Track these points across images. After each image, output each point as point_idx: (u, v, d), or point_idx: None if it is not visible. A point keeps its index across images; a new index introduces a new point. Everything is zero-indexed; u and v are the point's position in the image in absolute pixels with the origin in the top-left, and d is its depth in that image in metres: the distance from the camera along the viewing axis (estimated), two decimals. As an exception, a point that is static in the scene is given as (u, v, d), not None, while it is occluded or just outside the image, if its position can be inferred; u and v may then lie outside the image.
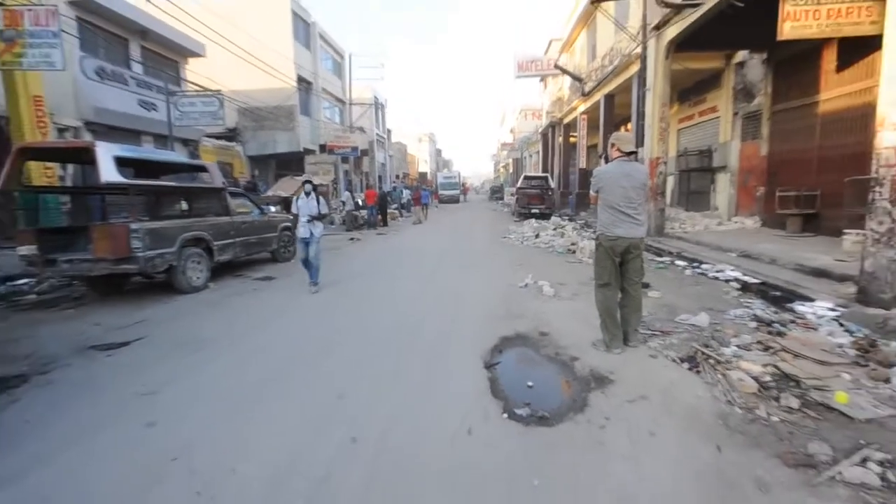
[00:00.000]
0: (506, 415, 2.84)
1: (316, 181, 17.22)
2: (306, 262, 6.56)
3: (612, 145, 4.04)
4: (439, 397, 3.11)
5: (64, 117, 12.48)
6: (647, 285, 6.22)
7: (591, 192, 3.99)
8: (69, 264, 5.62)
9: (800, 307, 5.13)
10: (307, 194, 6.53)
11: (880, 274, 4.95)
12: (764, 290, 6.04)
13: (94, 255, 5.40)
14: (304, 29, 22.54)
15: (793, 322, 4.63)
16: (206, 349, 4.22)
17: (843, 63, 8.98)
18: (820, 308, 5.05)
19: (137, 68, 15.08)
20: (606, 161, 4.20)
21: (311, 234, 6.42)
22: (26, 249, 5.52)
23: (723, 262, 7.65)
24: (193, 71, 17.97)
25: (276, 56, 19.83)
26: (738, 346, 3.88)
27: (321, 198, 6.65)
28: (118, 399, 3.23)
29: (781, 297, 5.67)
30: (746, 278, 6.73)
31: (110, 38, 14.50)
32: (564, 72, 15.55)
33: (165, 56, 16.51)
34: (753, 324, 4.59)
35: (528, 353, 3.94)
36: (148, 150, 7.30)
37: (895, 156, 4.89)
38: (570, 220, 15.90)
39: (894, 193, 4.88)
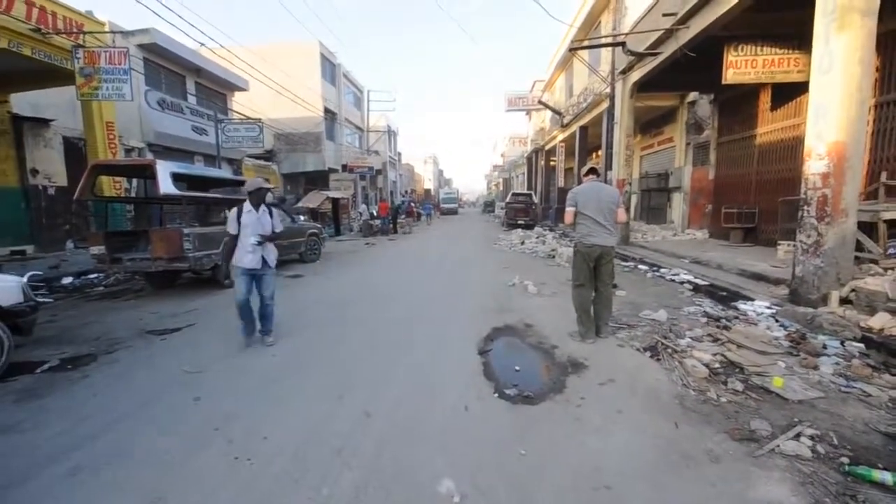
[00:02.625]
0: (497, 394, 2.80)
1: (336, 195, 17.28)
2: (246, 309, 3.78)
3: (581, 175, 4.22)
4: (440, 379, 3.07)
5: (131, 139, 12.48)
6: (615, 286, 6.18)
7: (568, 208, 3.89)
8: (132, 262, 5.58)
9: (742, 305, 5.09)
10: (256, 206, 3.79)
11: (808, 278, 4.92)
12: (712, 291, 6.00)
13: (153, 255, 5.36)
14: (330, 69, 22.56)
15: (737, 318, 4.60)
16: (237, 336, 4.17)
17: (776, 104, 8.99)
18: (759, 306, 5.01)
19: (192, 100, 15.07)
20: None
21: (264, 262, 3.76)
22: (96, 249, 5.48)
23: (678, 267, 7.62)
24: (238, 102, 17.98)
25: (306, 91, 19.84)
26: (691, 338, 3.85)
27: (278, 211, 4.21)
28: (170, 376, 3.19)
29: (727, 297, 5.63)
30: (697, 280, 6.70)
31: (171, 75, 14.51)
32: (547, 107, 15.60)
33: (215, 90, 16.50)
34: (704, 319, 4.56)
35: (516, 341, 3.90)
36: (198, 167, 7.27)
37: (820, 180, 4.86)
38: (551, 230, 15.86)
39: (820, 212, 4.85)
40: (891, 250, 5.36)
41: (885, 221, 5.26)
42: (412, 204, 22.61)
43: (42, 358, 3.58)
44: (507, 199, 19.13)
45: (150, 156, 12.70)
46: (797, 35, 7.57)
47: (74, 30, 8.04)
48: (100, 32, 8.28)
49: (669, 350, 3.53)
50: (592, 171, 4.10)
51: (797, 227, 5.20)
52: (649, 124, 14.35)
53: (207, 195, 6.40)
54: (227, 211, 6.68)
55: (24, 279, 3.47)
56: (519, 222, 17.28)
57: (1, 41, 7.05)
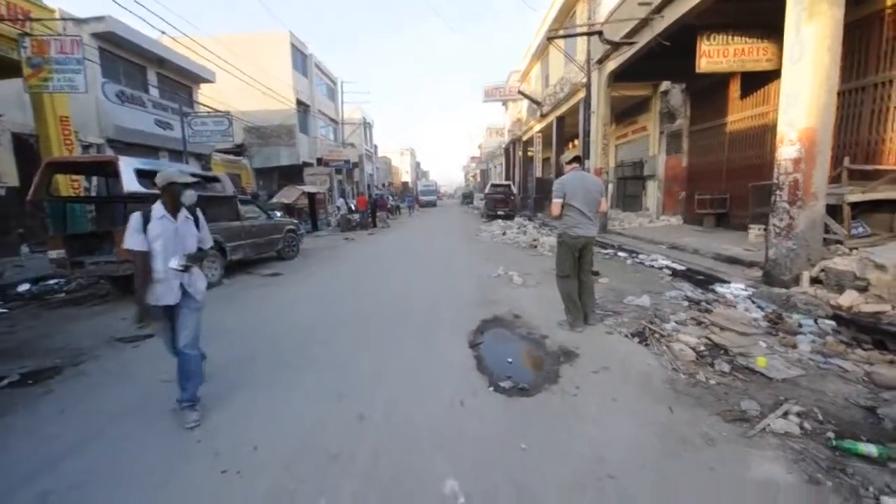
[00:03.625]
0: (492, 388, 2.76)
1: (312, 189, 16.83)
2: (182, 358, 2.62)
3: (563, 164, 4.09)
4: (433, 375, 3.00)
5: (88, 135, 11.71)
6: (597, 273, 6.24)
7: (556, 199, 3.80)
8: (95, 266, 5.21)
9: (720, 288, 5.23)
10: (172, 209, 2.52)
11: (781, 260, 5.10)
12: (690, 275, 6.16)
13: (119, 258, 5.03)
14: (301, 59, 21.83)
15: (716, 301, 4.71)
16: (222, 339, 3.96)
17: (745, 92, 9.26)
18: (735, 289, 5.16)
19: (154, 92, 14.28)
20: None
21: (185, 293, 2.56)
22: (55, 253, 5.10)
23: (655, 253, 7.79)
24: (205, 94, 17.18)
25: (277, 82, 19.14)
26: (676, 322, 3.92)
27: (200, 219, 2.72)
28: (143, 387, 2.99)
29: (705, 281, 5.78)
30: (675, 265, 6.86)
31: (130, 66, 13.68)
32: (526, 97, 15.59)
33: (180, 82, 15.68)
34: (686, 303, 4.66)
35: (506, 332, 3.87)
36: (165, 164, 6.86)
37: (792, 166, 5.01)
38: (530, 220, 15.98)
39: (792, 196, 5.02)
40: (853, 231, 5.61)
41: (848, 204, 5.49)
42: (387, 197, 22.31)
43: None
44: (487, 191, 19.13)
45: (109, 152, 11.96)
46: (766, 24, 7.78)
47: (20, 16, 7.42)
48: (49, 20, 7.67)
49: (657, 335, 3.58)
50: (576, 159, 4.03)
51: (770, 211, 5.36)
52: (624, 114, 14.57)
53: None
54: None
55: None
56: (499, 213, 17.31)
57: (-66, 28, 6.44)
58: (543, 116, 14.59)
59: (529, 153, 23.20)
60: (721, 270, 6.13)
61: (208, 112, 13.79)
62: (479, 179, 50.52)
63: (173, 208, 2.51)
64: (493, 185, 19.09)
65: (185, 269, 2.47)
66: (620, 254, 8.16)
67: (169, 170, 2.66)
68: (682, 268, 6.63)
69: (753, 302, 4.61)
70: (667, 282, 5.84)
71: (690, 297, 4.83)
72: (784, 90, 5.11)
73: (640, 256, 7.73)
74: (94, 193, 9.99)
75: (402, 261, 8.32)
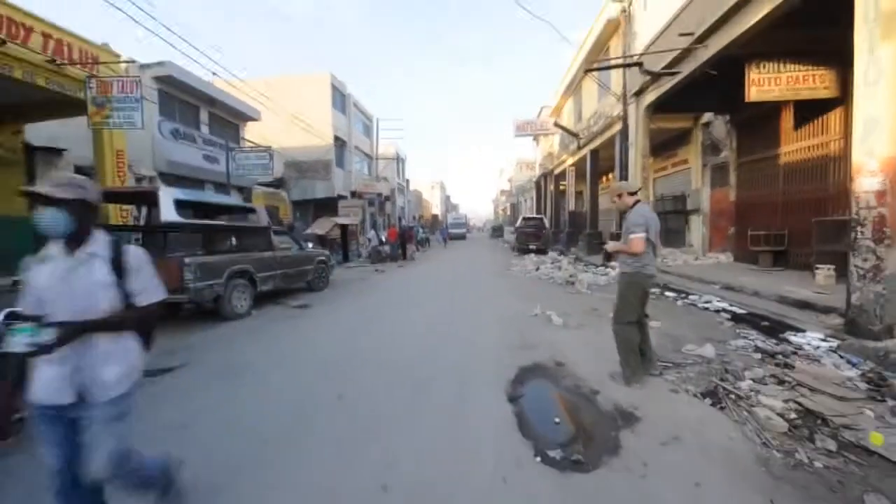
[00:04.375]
0: (539, 458, 2.30)
1: (345, 221, 17.09)
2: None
3: (622, 193, 3.54)
4: (467, 436, 2.58)
5: (142, 168, 12.47)
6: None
7: (640, 234, 3.24)
8: (129, 294, 5.22)
9: (794, 338, 4.55)
10: (71, 241, 1.48)
11: (868, 307, 4.39)
12: (754, 321, 5.45)
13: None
14: (340, 98, 22.94)
15: (794, 353, 4.05)
16: (241, 377, 3.72)
17: (800, 122, 8.64)
18: (813, 339, 4.47)
19: (205, 129, 15.23)
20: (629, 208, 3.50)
21: (84, 390, 1.46)
22: (92, 281, 5.16)
23: (708, 294, 7.09)
24: (250, 131, 18.20)
25: (317, 120, 20.10)
26: (752, 379, 3.32)
27: (130, 257, 1.59)
28: (149, 432, 2.73)
29: (772, 328, 5.08)
30: (734, 308, 6.16)
31: (185, 105, 14.71)
32: (562, 128, 15.42)
33: (228, 120, 16.70)
34: (758, 355, 4.02)
35: (549, 385, 3.39)
36: (204, 194, 7.02)
37: (875, 199, 4.40)
38: (562, 254, 15.39)
39: (877, 233, 4.37)
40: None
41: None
42: (416, 229, 22.33)
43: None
44: (518, 224, 18.77)
45: (160, 184, 12.66)
46: (822, 52, 7.31)
47: (89, 61, 8.08)
48: (114, 62, 8.31)
49: (733, 396, 3.01)
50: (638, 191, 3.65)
51: (850, 250, 4.69)
52: (662, 146, 14.06)
53: (210, 222, 6.07)
54: (232, 239, 6.37)
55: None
56: (530, 247, 16.84)
57: (15, 71, 7.04)
58: (580, 148, 14.32)
59: (562, 187, 22.86)
60: (791, 316, 5.41)
61: (252, 147, 14.46)
62: (508, 213, 50.36)
63: (70, 238, 1.48)
64: (525, 219, 18.75)
65: (59, 342, 1.36)
66: (668, 293, 7.49)
67: (64, 175, 1.52)
68: (743, 311, 5.93)
69: (841, 356, 3.91)
70: (728, 328, 5.17)
71: (762, 348, 4.18)
72: (858, 117, 4.58)
73: (691, 297, 7.04)
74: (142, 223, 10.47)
75: (432, 295, 7.99)
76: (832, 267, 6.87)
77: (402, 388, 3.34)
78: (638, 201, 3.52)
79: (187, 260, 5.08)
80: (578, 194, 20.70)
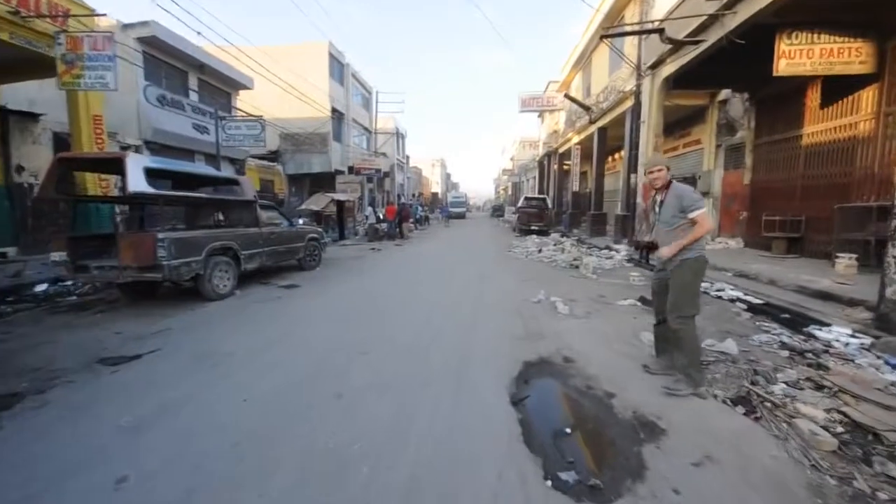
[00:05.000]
0: (549, 481, 1.92)
1: (342, 197, 16.53)
2: None
3: (663, 168, 2.96)
4: (465, 447, 2.21)
5: (127, 137, 11.84)
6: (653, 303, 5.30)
7: (705, 209, 2.82)
8: (99, 271, 4.80)
9: (820, 333, 4.17)
10: None
11: (907, 303, 4.01)
12: (773, 313, 5.08)
13: (121, 263, 4.58)
14: (339, 69, 21.92)
15: (826, 352, 3.69)
16: (220, 366, 3.34)
17: (827, 100, 8.04)
18: (840, 334, 4.10)
19: (194, 97, 14.46)
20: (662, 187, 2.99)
21: None
22: (57, 255, 4.73)
23: (721, 282, 6.70)
24: (243, 101, 17.36)
25: (314, 90, 19.20)
26: (786, 383, 2.95)
27: None
28: (100, 434, 2.36)
29: (794, 321, 4.71)
30: (749, 298, 5.78)
31: (172, 70, 13.91)
32: (573, 100, 14.56)
33: (219, 87, 15.89)
34: (785, 353, 3.65)
35: (557, 385, 3.01)
36: (181, 163, 6.48)
37: (922, 183, 3.94)
38: (565, 236, 14.95)
39: (922, 221, 3.94)
40: None
41: None
42: (413, 207, 21.79)
43: (-43, 396, 2.79)
44: (520, 204, 18.23)
45: (146, 153, 12.05)
46: (861, 22, 6.67)
47: (59, 14, 7.37)
48: (87, 16, 7.60)
49: (768, 405, 2.64)
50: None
51: (889, 239, 4.27)
52: (674, 125, 13.39)
53: (186, 194, 5.54)
54: (215, 213, 5.89)
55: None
56: (532, 228, 16.38)
57: (-26, 24, 6.39)
58: (591, 123, 13.58)
59: (565, 166, 22.18)
60: (813, 308, 5.03)
61: (243, 116, 13.76)
62: (510, 192, 49.59)
63: None
64: (527, 199, 18.22)
65: None
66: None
67: None
68: (759, 301, 5.56)
69: (878, 357, 3.55)
70: (746, 320, 4.81)
71: (789, 345, 3.81)
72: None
73: (702, 285, 6.65)
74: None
75: (429, 277, 7.58)
76: (854, 256, 6.46)
77: (393, 385, 2.97)
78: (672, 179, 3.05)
79: (161, 235, 4.63)
80: (583, 175, 20.09)
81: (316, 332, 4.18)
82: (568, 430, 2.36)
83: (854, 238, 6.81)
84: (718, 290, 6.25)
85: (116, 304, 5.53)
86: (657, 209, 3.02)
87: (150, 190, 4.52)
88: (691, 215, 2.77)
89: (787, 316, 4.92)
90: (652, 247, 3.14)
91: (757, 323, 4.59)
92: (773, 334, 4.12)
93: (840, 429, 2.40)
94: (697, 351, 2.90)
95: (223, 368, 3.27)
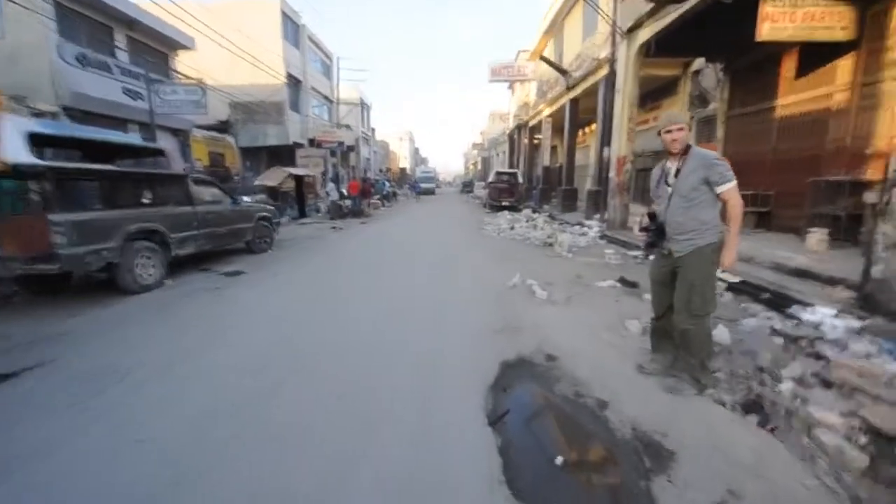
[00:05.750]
0: (542, 547, 1.45)
1: (300, 172, 15.33)
2: None
3: (683, 127, 2.50)
4: (434, 490, 1.70)
5: (39, 102, 10.16)
6: (634, 284, 4.98)
7: (735, 182, 2.32)
8: (-20, 263, 3.86)
9: (804, 315, 3.93)
10: None
11: (895, 282, 3.82)
12: (752, 292, 4.86)
13: (4, 253, 3.67)
14: (293, 29, 20.03)
15: (819, 338, 3.43)
16: (113, 388, 2.61)
17: (803, 70, 7.83)
18: (826, 317, 3.88)
19: (123, 57, 12.63)
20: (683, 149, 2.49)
21: None
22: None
23: (696, 259, 6.50)
24: (185, 64, 15.47)
25: (266, 54, 17.45)
26: (792, 379, 2.63)
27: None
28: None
29: (775, 301, 4.49)
30: (726, 276, 5.58)
31: (94, 25, 12.02)
32: (550, 64, 13.78)
33: (154, 47, 14.00)
34: (779, 340, 3.38)
35: (541, 393, 2.55)
36: (83, 129, 5.42)
37: (917, 155, 3.68)
38: (536, 212, 14.62)
39: (915, 195, 3.70)
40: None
41: None
42: (368, 182, 20.85)
43: None
44: (490, 179, 17.66)
45: (66, 121, 10.44)
46: (845, -17, 6.37)
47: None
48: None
49: (782, 412, 2.28)
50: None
51: (877, 214, 4.04)
52: (645, 97, 13.02)
53: (91, 167, 4.45)
54: (135, 190, 4.92)
55: None
56: (503, 204, 15.93)
57: None
58: (569, 89, 12.94)
59: (536, 140, 21.71)
60: (791, 287, 4.83)
61: (181, 80, 12.21)
62: (479, 167, 48.88)
63: None
64: (498, 173, 17.65)
65: None
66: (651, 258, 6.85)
67: None
68: (735, 280, 5.35)
69: (872, 342, 3.32)
70: (729, 302, 4.55)
71: (781, 331, 3.54)
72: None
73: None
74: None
75: (394, 259, 6.95)
76: (826, 231, 6.39)
77: (349, 400, 2.40)
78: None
79: (55, 217, 3.72)
80: (553, 149, 19.71)
81: (249, 334, 3.49)
82: (558, 461, 1.89)
83: (825, 213, 6.75)
84: (696, 268, 6.03)
85: (14, 299, 4.58)
86: (668, 180, 2.52)
87: (32, 160, 3.58)
88: (721, 189, 2.25)
89: (767, 296, 4.70)
90: (659, 230, 2.58)
91: (742, 305, 4.33)
92: (762, 318, 3.85)
93: (863, 439, 2.07)
94: (709, 351, 2.49)
95: (116, 393, 2.55)
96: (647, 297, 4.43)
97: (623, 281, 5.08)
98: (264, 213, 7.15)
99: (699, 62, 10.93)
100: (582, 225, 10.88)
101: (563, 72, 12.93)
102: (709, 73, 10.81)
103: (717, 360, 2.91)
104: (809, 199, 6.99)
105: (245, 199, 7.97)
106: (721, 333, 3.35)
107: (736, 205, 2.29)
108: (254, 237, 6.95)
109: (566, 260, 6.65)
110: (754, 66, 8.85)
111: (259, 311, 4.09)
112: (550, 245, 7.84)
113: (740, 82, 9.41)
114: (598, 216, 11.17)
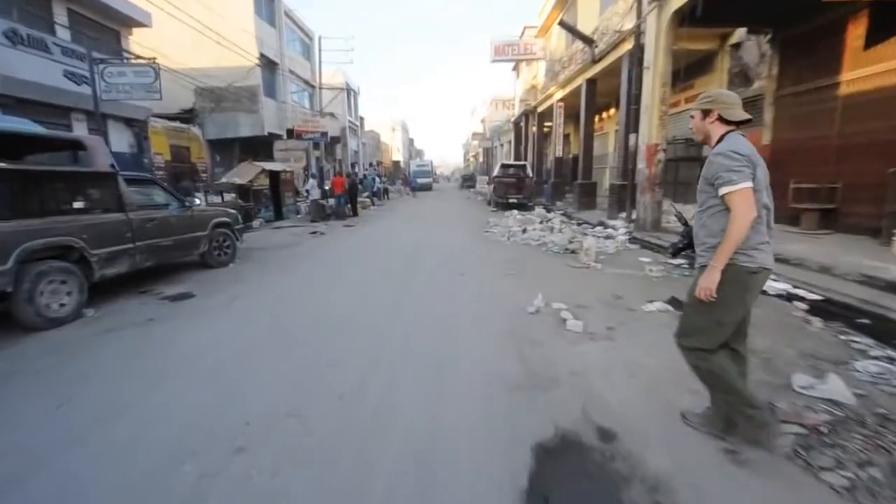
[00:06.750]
0: None
1: (276, 168, 14.56)
2: None
3: (707, 112, 2.09)
4: None
5: (-41, 86, 9.42)
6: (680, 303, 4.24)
7: (747, 184, 1.87)
8: None
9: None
10: None
11: None
12: (844, 315, 4.15)
13: None
14: (268, 5, 19.29)
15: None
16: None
17: (875, 38, 7.15)
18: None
19: (64, 34, 11.88)
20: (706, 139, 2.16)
21: None
22: None
23: (756, 269, 5.79)
24: (142, 45, 14.71)
25: (236, 31, 16.72)
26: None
27: None
28: None
29: (880, 328, 3.79)
30: (802, 293, 4.87)
31: (28, -3, 11.27)
32: (570, 30, 12.86)
33: (101, 23, 13.25)
34: (919, 396, 2.65)
35: (604, 507, 1.81)
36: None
37: None
38: (550, 210, 13.91)
39: None
40: None
41: None
42: (364, 178, 20.20)
43: None
44: (496, 173, 16.93)
45: (-6, 110, 9.69)
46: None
47: None
48: None
49: None
50: (743, 119, 2.09)
51: None
52: (674, 76, 12.38)
53: None
54: (40, 193, 4.16)
55: None
56: (510, 201, 15.22)
57: None
58: (595, 62, 12.10)
59: (546, 128, 21.03)
60: (892, 307, 4.14)
61: (129, 59, 11.48)
62: (481, 159, 48.20)
63: None
64: (504, 166, 16.95)
65: None
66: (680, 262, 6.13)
67: None
68: (819, 297, 4.64)
69: None
70: (821, 329, 3.84)
71: (917, 381, 2.81)
72: None
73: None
74: None
75: (381, 274, 6.19)
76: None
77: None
78: (733, 132, 2.05)
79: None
80: (566, 137, 19.03)
81: (176, 400, 2.65)
82: None
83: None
84: (759, 282, 5.30)
85: None
86: None
87: None
88: (720, 192, 1.93)
89: (865, 321, 3.99)
90: (687, 236, 2.37)
91: (842, 337, 3.60)
92: (883, 360, 3.11)
93: None
94: (727, 393, 2.09)
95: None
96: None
97: (675, 303, 4.36)
98: (222, 219, 6.39)
99: (739, 34, 10.28)
100: (605, 226, 10.17)
101: (587, 40, 12.11)
102: (750, 46, 10.15)
103: (839, 431, 2.18)
104: (891, 193, 6.28)
105: (197, 199, 7.20)
106: (835, 387, 2.63)
107: (735, 216, 1.87)
108: (209, 248, 6.18)
109: (595, 272, 5.93)
110: (811, 36, 8.17)
111: (197, 361, 3.27)
112: (573, 252, 7.11)
113: (793, 55, 8.72)
114: (623, 215, 10.46)
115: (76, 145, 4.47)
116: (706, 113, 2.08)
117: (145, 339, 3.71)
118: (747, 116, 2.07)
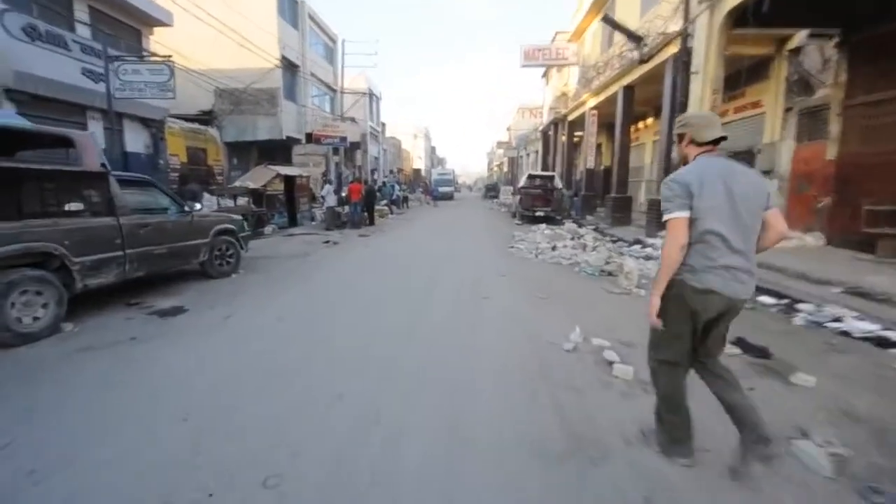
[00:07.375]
0: None
1: (292, 172, 14.42)
2: None
3: (681, 136, 2.18)
4: None
5: (-25, 81, 9.55)
6: (764, 353, 3.64)
7: (677, 214, 1.94)
8: None
9: None
10: None
11: None
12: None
13: None
14: (291, 6, 19.47)
15: None
16: None
17: (967, 40, 6.44)
18: None
19: (84, 32, 12.06)
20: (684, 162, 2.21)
21: None
22: None
23: (829, 302, 5.11)
24: (162, 44, 14.92)
25: (258, 32, 16.87)
26: None
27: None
28: None
29: None
30: (890, 334, 4.20)
31: (47, -8, 11.48)
32: (615, 26, 12.24)
33: (123, 22, 13.46)
34: None
35: None
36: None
37: None
38: (581, 225, 13.30)
39: None
40: None
41: None
42: (384, 185, 20.00)
43: None
44: (522, 183, 16.42)
45: (9, 106, 9.79)
46: None
47: None
48: None
49: None
50: (720, 140, 2.09)
51: None
52: (724, 83, 11.73)
53: None
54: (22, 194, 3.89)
55: None
56: (537, 214, 14.67)
57: None
58: (643, 61, 11.43)
59: (576, 138, 20.50)
60: None
61: (146, 57, 11.53)
62: (506, 169, 47.77)
63: None
64: (531, 177, 16.44)
65: None
66: (763, 299, 5.48)
67: None
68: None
69: None
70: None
71: None
72: None
73: (804, 308, 5.07)
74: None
75: (395, 294, 5.72)
76: None
77: None
78: (709, 153, 2.09)
79: None
80: (598, 148, 18.41)
81: (129, 455, 2.19)
82: None
83: None
84: (836, 320, 4.64)
85: None
86: None
87: None
88: (663, 220, 2.05)
89: None
90: None
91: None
92: None
93: None
94: (670, 409, 2.21)
95: None
96: (805, 380, 3.10)
97: (744, 345, 3.76)
98: (226, 226, 6.08)
99: (800, 37, 9.58)
100: (643, 244, 9.51)
101: (635, 38, 11.48)
102: (812, 51, 9.45)
103: None
104: None
105: (198, 204, 6.92)
106: None
107: (665, 244, 2.01)
108: (210, 257, 5.87)
109: (638, 300, 5.33)
110: (887, 39, 7.47)
111: (170, 395, 2.86)
112: (611, 275, 6.52)
113: (866, 61, 8.00)
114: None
115: (64, 141, 4.21)
116: (681, 137, 2.17)
117: (120, 364, 3.33)
118: (718, 134, 2.05)
